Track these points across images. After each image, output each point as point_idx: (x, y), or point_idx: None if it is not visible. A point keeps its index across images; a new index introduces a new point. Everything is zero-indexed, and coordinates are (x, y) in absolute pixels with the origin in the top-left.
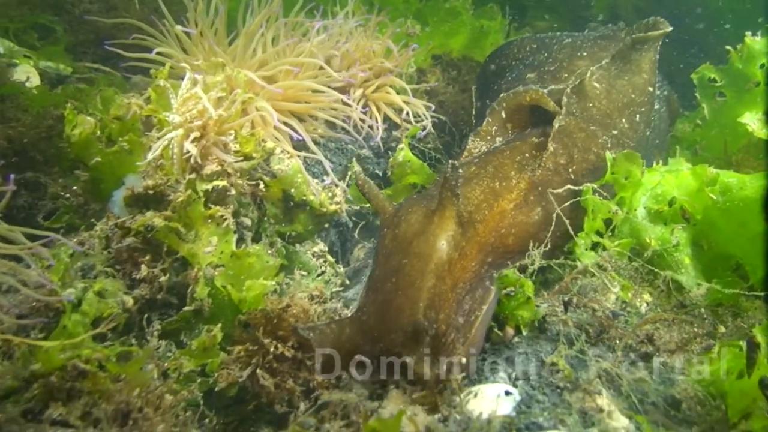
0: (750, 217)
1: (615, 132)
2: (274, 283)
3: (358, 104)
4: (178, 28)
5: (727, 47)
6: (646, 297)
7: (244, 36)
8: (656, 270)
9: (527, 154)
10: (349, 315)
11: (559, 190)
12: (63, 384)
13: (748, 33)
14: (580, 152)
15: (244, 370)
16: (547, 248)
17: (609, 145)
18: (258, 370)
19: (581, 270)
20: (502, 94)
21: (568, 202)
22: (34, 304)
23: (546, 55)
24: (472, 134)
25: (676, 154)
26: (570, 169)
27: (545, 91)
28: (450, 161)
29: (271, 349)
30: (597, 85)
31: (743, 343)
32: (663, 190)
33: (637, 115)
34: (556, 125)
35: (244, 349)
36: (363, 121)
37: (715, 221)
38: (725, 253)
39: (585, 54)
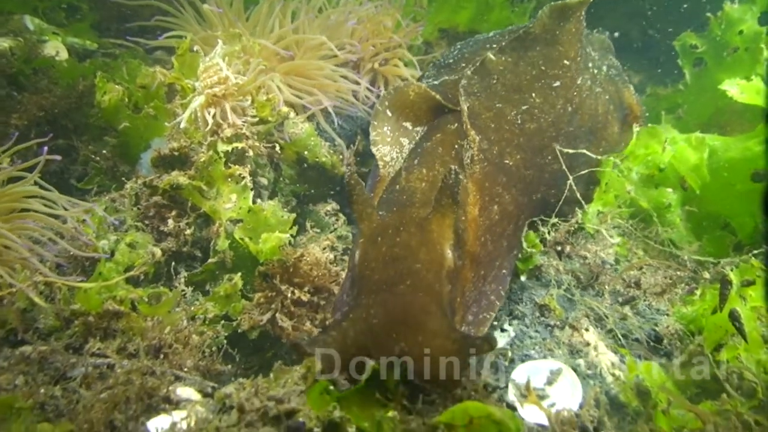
0: (736, 178)
1: (525, 107)
2: (288, 235)
3: (366, 77)
4: (206, 6)
5: (708, 14)
6: (640, 253)
7: (265, 4)
8: (649, 232)
9: (456, 144)
10: (341, 318)
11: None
12: (100, 323)
13: (727, 1)
14: (494, 132)
15: (264, 315)
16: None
17: (520, 121)
18: (277, 314)
19: (574, 223)
20: (383, 92)
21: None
22: (71, 253)
23: (449, 55)
24: (372, 145)
25: (661, 120)
26: (494, 151)
27: (436, 82)
28: (451, 167)
29: (289, 295)
30: (501, 58)
31: None
32: (653, 156)
33: (552, 91)
34: (464, 112)
35: (264, 296)
36: (371, 90)
37: (703, 182)
38: (714, 212)
39: (494, 46)
